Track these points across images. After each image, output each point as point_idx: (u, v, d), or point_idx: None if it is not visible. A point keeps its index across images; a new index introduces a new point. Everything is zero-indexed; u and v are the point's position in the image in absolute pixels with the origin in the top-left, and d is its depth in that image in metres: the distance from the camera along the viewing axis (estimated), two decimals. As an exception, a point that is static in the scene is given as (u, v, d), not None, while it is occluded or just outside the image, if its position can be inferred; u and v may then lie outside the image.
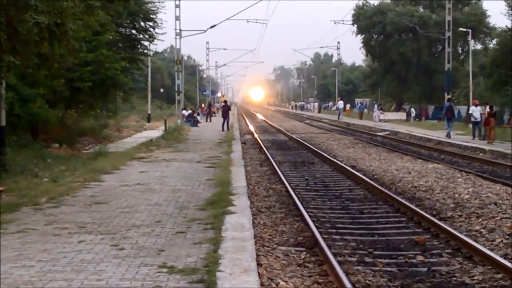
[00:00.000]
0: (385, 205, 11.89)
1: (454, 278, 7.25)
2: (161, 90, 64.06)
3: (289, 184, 14.11)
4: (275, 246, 8.60)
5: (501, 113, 39.26)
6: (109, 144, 24.67)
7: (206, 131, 35.09)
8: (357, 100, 75.97)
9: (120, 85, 26.19)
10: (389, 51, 58.35)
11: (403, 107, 60.30)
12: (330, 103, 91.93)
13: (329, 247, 8.27)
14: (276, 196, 13.02)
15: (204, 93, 75.92)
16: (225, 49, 72.89)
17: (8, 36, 12.70)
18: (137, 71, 35.26)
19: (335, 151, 23.81)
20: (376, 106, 54.27)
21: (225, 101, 42.35)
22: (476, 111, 27.96)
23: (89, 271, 6.35)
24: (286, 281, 6.91)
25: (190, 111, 43.45)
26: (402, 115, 54.81)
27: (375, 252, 8.40)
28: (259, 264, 7.23)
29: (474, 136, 27.71)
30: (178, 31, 39.30)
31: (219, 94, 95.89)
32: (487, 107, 27.49)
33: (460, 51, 58.04)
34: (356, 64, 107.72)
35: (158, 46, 61.14)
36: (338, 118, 54.78)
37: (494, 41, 53.37)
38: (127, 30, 29.23)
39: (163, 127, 33.81)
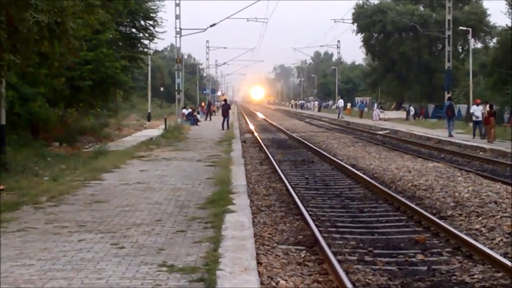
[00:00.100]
0: (385, 203, 11.89)
1: (454, 277, 7.26)
2: (161, 89, 64.08)
3: (289, 182, 14.11)
4: (275, 245, 8.61)
5: (502, 112, 39.29)
6: (109, 143, 24.69)
7: (206, 130, 35.10)
8: (357, 99, 75.99)
9: (120, 83, 26.19)
10: (389, 50, 58.35)
11: (403, 106, 60.29)
12: (330, 102, 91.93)
13: (329, 245, 8.27)
14: (276, 194, 13.02)
15: (204, 92, 75.93)
16: (225, 47, 72.89)
17: (9, 35, 12.71)
18: (137, 69, 35.27)
19: (335, 149, 23.81)
20: (376, 105, 54.27)
21: (225, 100, 42.36)
22: (478, 110, 27.89)
23: (89, 270, 6.35)
24: (286, 280, 6.91)
25: (190, 110, 43.45)
26: (402, 114, 54.82)
27: (375, 251, 8.40)
28: (259, 263, 7.23)
29: (474, 135, 27.70)
30: (178, 29, 39.31)
31: (219, 93, 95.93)
32: (487, 106, 27.50)
33: (460, 50, 58.04)
34: (356, 63, 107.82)
35: (158, 44, 61.41)
36: (338, 117, 54.78)
37: (495, 40, 53.39)
38: (127, 29, 29.24)
39: (163, 126, 33.80)
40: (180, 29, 39.38)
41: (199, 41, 70.92)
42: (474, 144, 24.25)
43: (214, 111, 58.95)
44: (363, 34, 60.93)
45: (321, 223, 10.12)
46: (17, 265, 6.55)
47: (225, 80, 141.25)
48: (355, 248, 8.60)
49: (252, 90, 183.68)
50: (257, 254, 7.56)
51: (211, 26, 39.62)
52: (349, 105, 69.14)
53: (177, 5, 39.17)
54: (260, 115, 67.61)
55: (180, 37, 39.75)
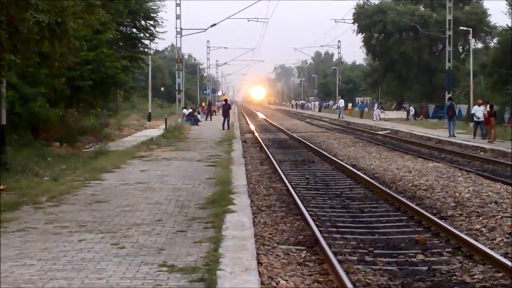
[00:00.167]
0: (386, 204, 11.89)
1: (455, 277, 7.26)
2: (162, 89, 64.09)
3: (290, 183, 14.10)
4: (275, 245, 8.60)
5: (502, 112, 39.27)
6: (110, 143, 24.70)
7: (206, 130, 35.10)
8: (358, 99, 75.96)
9: (120, 83, 26.20)
10: (389, 50, 58.31)
11: (404, 106, 60.28)
12: (331, 102, 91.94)
13: (330, 246, 8.27)
14: (277, 195, 13.02)
15: (205, 92, 75.92)
16: (225, 47, 72.93)
17: (9, 35, 12.72)
18: (137, 69, 35.28)
19: (335, 150, 23.80)
20: (376, 105, 54.26)
21: (226, 100, 42.37)
22: (479, 111, 27.77)
23: (90, 270, 6.35)
24: (286, 280, 6.91)
25: (190, 110, 43.46)
26: (402, 114, 54.80)
27: (376, 251, 8.40)
28: (259, 263, 7.23)
29: (475, 135, 27.67)
30: (178, 29, 39.31)
31: (219, 93, 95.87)
32: (487, 106, 27.48)
33: (460, 50, 57.98)
34: (357, 63, 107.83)
35: (159, 44, 61.42)
36: (339, 117, 54.76)
37: (495, 40, 53.35)
38: (127, 29, 29.25)
39: (163, 126, 33.82)
40: (181, 29, 39.39)
41: (200, 41, 70.99)
42: (475, 144, 24.24)
43: (214, 111, 58.93)
44: (363, 34, 60.89)
45: (322, 223, 10.12)
46: (17, 265, 6.55)
47: (226, 80, 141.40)
48: (356, 248, 8.59)
49: (253, 90, 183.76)
50: (258, 254, 7.56)
51: (211, 26, 39.62)
52: (350, 105, 69.13)
53: (178, 5, 39.17)
54: (261, 115, 67.61)
55: (180, 37, 39.77)
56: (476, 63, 48.75)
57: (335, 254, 7.82)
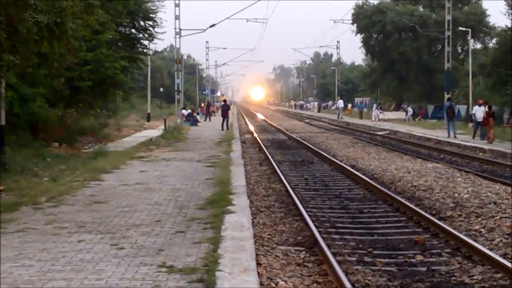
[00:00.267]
0: (385, 204, 11.89)
1: (454, 278, 7.26)
2: (161, 89, 64.06)
3: (289, 183, 14.11)
4: (274, 245, 8.61)
5: (501, 112, 39.28)
6: (109, 143, 24.70)
7: (205, 131, 35.10)
8: (357, 100, 76.00)
9: (119, 84, 26.19)
10: (388, 50, 58.36)
11: (403, 106, 60.33)
12: (330, 103, 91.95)
13: (329, 246, 8.28)
14: (276, 195, 13.02)
15: (204, 92, 75.92)
16: (224, 48, 73.03)
17: (8, 35, 12.70)
18: (136, 70, 35.25)
19: (334, 150, 23.81)
20: (375, 105, 54.27)
21: (225, 100, 42.38)
22: (479, 111, 27.73)
23: (89, 271, 6.35)
24: (285, 281, 6.91)
25: (189, 111, 43.46)
26: (401, 115, 54.84)
27: (375, 252, 8.40)
28: (258, 264, 7.24)
29: (474, 135, 27.64)
30: (177, 30, 39.32)
31: (218, 94, 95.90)
32: (486, 106, 27.47)
33: (459, 51, 58.05)
34: (356, 64, 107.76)
35: (158, 45, 61.45)
36: (338, 117, 54.79)
37: (494, 41, 53.37)
38: (126, 29, 29.22)
39: (162, 127, 33.81)
40: (180, 29, 39.40)
41: (199, 41, 70.98)
42: (474, 144, 24.25)
43: (213, 112, 58.88)
44: (362, 35, 60.95)
45: (321, 223, 10.12)
46: (17, 266, 6.55)
47: (225, 81, 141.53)
48: (355, 249, 8.60)
49: (252, 91, 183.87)
50: (257, 254, 7.56)
51: (210, 26, 39.61)
52: (349, 105, 69.15)
53: (177, 5, 39.20)
54: (260, 116, 67.61)
55: (179, 37, 39.78)
56: (475, 64, 48.76)
57: (334, 254, 7.83)
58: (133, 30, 29.62)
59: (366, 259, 8.04)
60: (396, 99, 67.02)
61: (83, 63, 22.04)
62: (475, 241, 8.64)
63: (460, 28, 45.47)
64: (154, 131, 33.02)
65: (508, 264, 7.23)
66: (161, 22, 29.85)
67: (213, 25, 39.49)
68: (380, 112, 52.26)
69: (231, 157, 18.54)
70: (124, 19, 26.73)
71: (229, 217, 9.01)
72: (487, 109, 26.95)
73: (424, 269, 7.61)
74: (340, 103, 57.97)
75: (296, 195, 12.42)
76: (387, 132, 35.47)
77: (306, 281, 7.05)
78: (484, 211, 10.81)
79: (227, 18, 40.07)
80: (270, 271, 7.21)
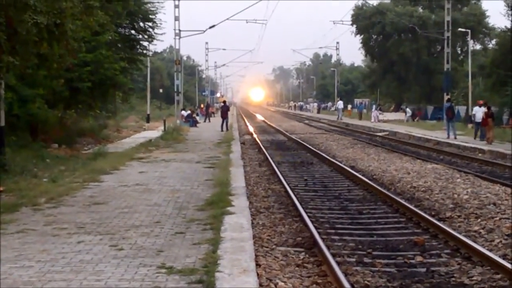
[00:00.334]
0: (384, 205, 11.89)
1: (453, 279, 7.26)
2: (160, 90, 64.04)
3: (288, 184, 14.11)
4: (274, 246, 8.61)
5: (501, 113, 39.29)
6: (108, 144, 24.69)
7: (205, 132, 35.10)
8: (357, 101, 76.04)
9: (119, 85, 26.19)
10: (388, 51, 58.38)
11: (402, 107, 60.34)
12: (329, 104, 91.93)
13: (328, 247, 8.28)
14: (275, 196, 13.02)
15: (203, 93, 75.96)
16: (224, 49, 73.05)
17: (8, 36, 12.71)
18: (136, 71, 35.26)
19: (334, 151, 23.81)
20: (374, 106, 54.27)
21: (224, 102, 42.37)
22: (479, 112, 27.71)
23: (88, 272, 6.35)
24: (285, 282, 6.91)
25: (189, 112, 43.47)
26: (401, 116, 54.84)
27: (374, 253, 8.40)
28: (258, 265, 7.24)
29: (475, 136, 27.61)
30: (177, 31, 39.35)
31: (218, 95, 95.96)
32: (486, 107, 27.48)
33: (459, 52, 58.04)
34: (355, 65, 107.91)
35: (157, 46, 61.25)
36: (338, 118, 54.79)
37: (493, 42, 53.39)
38: (126, 31, 29.23)
39: (162, 128, 33.80)
40: (179, 30, 39.43)
41: (198, 42, 71.11)
42: (473, 145, 24.25)
43: (213, 113, 58.83)
44: (362, 36, 60.95)
45: (320, 224, 10.12)
46: (16, 267, 6.55)
47: (224, 82, 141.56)
48: (354, 249, 8.60)
49: (251, 92, 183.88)
50: (256, 255, 7.56)
51: (210, 27, 39.61)
52: (349, 106, 69.17)
53: (176, 6, 39.22)
54: (259, 117, 67.59)
55: (179, 38, 39.81)
56: (474, 65, 48.78)
57: (333, 255, 7.83)
58: (133, 31, 29.63)
59: (366, 260, 8.05)
60: (395, 100, 67.03)
61: (83, 64, 22.04)
62: (475, 242, 8.65)
63: (459, 29, 45.47)
64: (154, 132, 33.02)
65: (508, 265, 7.23)
66: (161, 23, 29.90)
67: (213, 26, 39.49)
68: (380, 113, 52.26)
69: (231, 158, 18.54)
70: (123, 20, 26.73)
71: (228, 218, 9.01)
72: (485, 110, 26.94)
73: (424, 270, 7.62)
74: (340, 104, 57.98)
75: (295, 196, 12.42)
76: (387, 133, 35.48)
77: (306, 282, 7.05)
78: (483, 212, 10.81)
79: (227, 19, 40.08)
80: (270, 272, 7.21)
